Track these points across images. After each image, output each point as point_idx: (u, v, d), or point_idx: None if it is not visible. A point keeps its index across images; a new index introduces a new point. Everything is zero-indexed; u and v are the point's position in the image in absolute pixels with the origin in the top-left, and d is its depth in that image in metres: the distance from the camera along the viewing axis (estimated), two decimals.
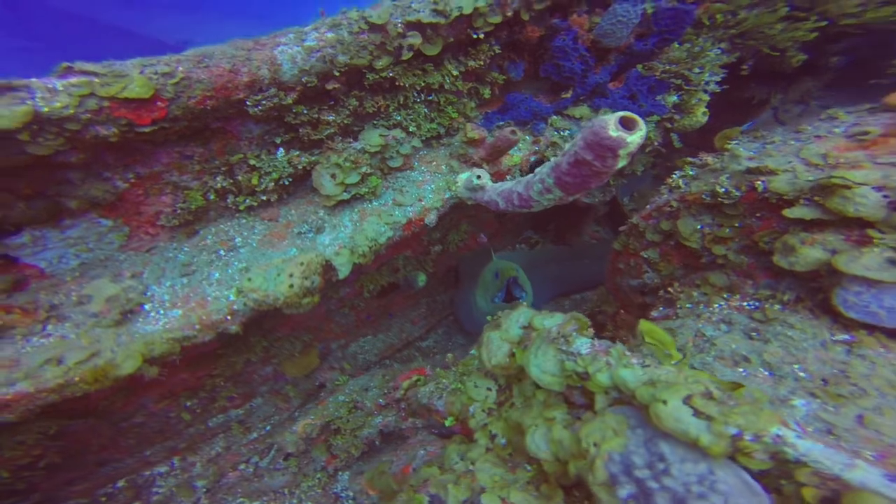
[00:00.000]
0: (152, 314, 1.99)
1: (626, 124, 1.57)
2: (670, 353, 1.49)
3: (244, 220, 2.38)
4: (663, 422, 1.31)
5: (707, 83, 3.52)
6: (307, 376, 3.18)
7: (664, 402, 1.32)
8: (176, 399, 2.56)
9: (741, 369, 1.74)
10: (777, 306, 1.94)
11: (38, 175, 1.83)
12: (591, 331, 1.72)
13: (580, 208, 4.14)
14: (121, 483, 2.63)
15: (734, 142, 2.67)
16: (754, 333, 1.86)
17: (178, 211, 2.19)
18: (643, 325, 1.58)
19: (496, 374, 2.04)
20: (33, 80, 1.61)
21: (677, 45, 3.54)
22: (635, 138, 1.55)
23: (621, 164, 1.66)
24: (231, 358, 2.64)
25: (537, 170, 2.07)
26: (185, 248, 2.22)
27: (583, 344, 1.65)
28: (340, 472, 2.88)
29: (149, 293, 2.03)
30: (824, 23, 3.80)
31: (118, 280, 1.99)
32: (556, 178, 1.90)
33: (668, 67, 3.40)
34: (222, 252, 2.23)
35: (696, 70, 3.47)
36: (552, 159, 1.95)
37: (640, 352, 1.56)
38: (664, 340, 1.55)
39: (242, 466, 2.83)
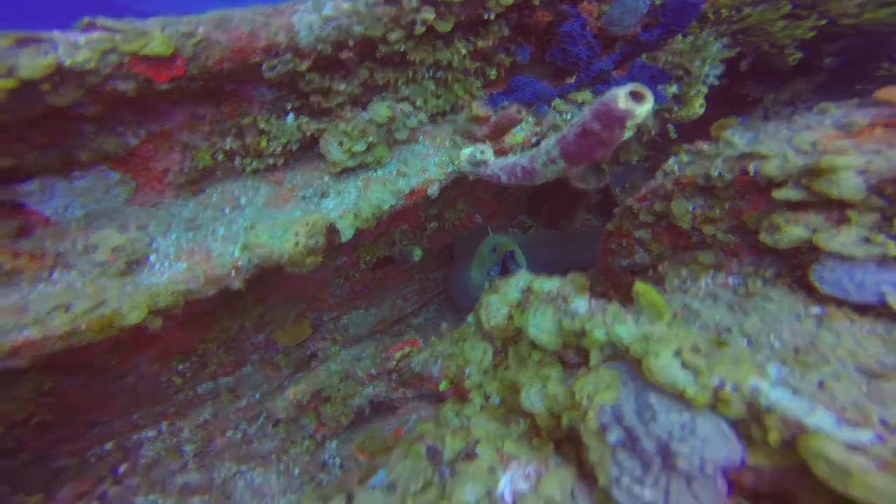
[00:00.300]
0: (157, 266, 2.02)
1: (635, 97, 1.64)
2: (662, 313, 1.58)
3: (249, 182, 2.43)
4: (654, 374, 1.40)
5: (707, 76, 3.61)
6: (299, 346, 3.23)
7: (656, 356, 1.41)
8: (168, 362, 2.60)
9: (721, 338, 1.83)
10: (759, 282, 2.04)
11: (53, 125, 1.85)
12: (588, 293, 1.81)
13: (574, 194, 4.22)
14: (109, 445, 2.66)
15: (729, 131, 2.77)
16: (736, 306, 1.97)
17: (186, 169, 2.23)
18: (638, 286, 1.67)
19: (494, 335, 2.12)
20: (56, 33, 1.64)
21: (681, 38, 3.62)
22: (643, 110, 1.62)
23: (627, 135, 1.73)
24: (225, 322, 2.68)
25: (542, 143, 2.14)
26: (191, 205, 2.26)
27: (580, 304, 1.74)
28: (328, 441, 2.94)
29: (154, 245, 2.07)
30: (823, 21, 3.88)
31: (124, 231, 2.01)
32: (561, 149, 1.97)
33: (670, 59, 3.48)
34: (227, 210, 2.27)
35: (698, 63, 3.56)
36: (558, 133, 2.02)
37: (634, 311, 1.65)
38: (657, 301, 1.64)
39: (230, 433, 2.88)
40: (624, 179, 4.34)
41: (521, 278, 2.10)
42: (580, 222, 4.49)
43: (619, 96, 1.63)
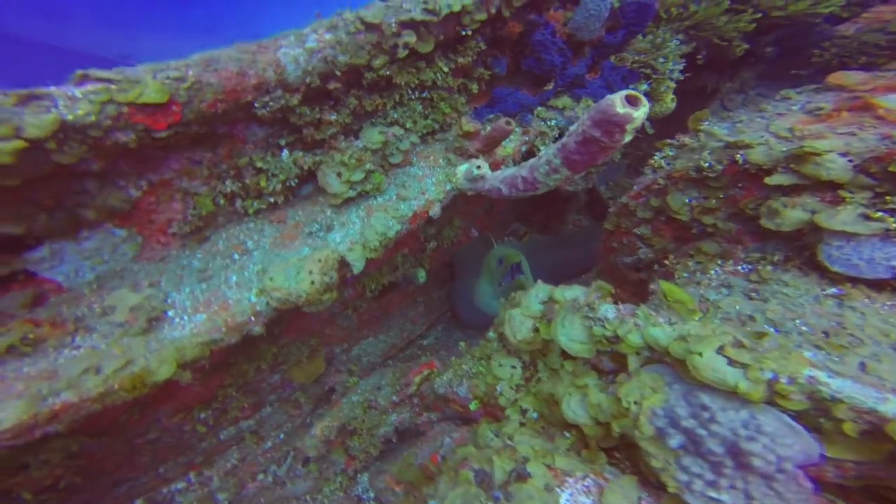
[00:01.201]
0: (177, 320, 1.97)
1: (631, 102, 1.70)
2: (693, 310, 1.63)
3: (252, 224, 2.38)
4: (701, 373, 1.42)
5: (671, 72, 3.77)
6: (316, 381, 3.17)
7: (699, 355, 1.43)
8: (189, 412, 2.52)
9: (748, 328, 1.84)
10: (769, 267, 2.12)
11: (58, 185, 1.79)
12: (611, 298, 1.85)
13: (563, 197, 4.32)
14: (139, 502, 2.57)
15: (706, 122, 2.90)
16: (754, 294, 2.02)
17: (189, 218, 2.17)
18: (663, 285, 1.71)
19: (521, 349, 2.13)
20: (53, 88, 1.58)
21: (641, 38, 3.78)
22: (641, 114, 1.68)
23: (627, 138, 1.79)
24: (242, 366, 2.61)
25: (541, 153, 2.18)
26: (199, 255, 2.20)
27: (608, 310, 1.77)
28: (360, 474, 2.88)
29: (170, 300, 2.01)
30: (759, 14, 4.20)
31: (137, 290, 1.96)
32: (563, 158, 2.01)
33: (636, 58, 3.62)
34: (236, 256, 2.22)
35: (661, 60, 3.72)
36: (558, 142, 2.06)
37: (663, 311, 1.68)
38: (684, 299, 1.68)
39: (261, 476, 2.80)
40: (607, 178, 4.47)
41: (540, 290, 2.12)
42: (571, 223, 4.58)
43: (616, 102, 1.68)
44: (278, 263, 2.13)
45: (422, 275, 3.19)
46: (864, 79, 2.68)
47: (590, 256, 4.15)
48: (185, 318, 1.97)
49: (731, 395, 1.35)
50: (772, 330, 1.76)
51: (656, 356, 1.62)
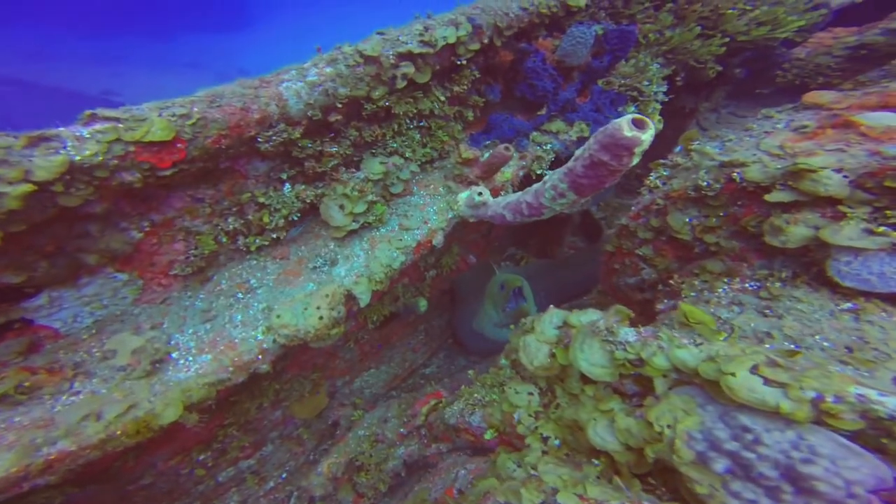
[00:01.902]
0: (181, 362, 1.90)
1: (637, 125, 1.72)
2: (717, 330, 1.62)
3: (255, 262, 2.32)
4: (736, 394, 1.37)
5: (656, 93, 3.90)
6: (318, 416, 3.06)
7: (733, 375, 1.40)
8: (188, 454, 2.40)
9: (768, 345, 1.81)
10: (777, 284, 2.13)
11: (60, 229, 1.74)
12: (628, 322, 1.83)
13: (559, 220, 4.35)
14: None
15: (696, 142, 2.97)
16: (767, 311, 1.99)
17: (191, 258, 2.11)
18: (683, 306, 1.71)
19: (537, 376, 2.08)
20: (62, 129, 1.54)
21: (625, 62, 3.91)
22: (648, 136, 1.69)
23: (635, 161, 1.81)
24: (244, 404, 2.51)
25: (546, 177, 2.19)
26: (202, 296, 2.14)
27: (628, 333, 1.75)
28: None
29: (173, 342, 1.94)
30: (727, 39, 4.44)
31: (139, 332, 1.88)
32: (570, 182, 2.02)
33: (622, 82, 3.73)
34: (240, 295, 2.16)
35: (646, 83, 3.84)
36: (563, 166, 2.08)
37: (686, 333, 1.67)
38: (706, 320, 1.68)
39: None
40: (598, 199, 4.53)
41: (553, 315, 2.10)
42: (567, 246, 4.60)
43: (623, 126, 1.70)
44: (284, 300, 2.07)
45: (423, 304, 3.15)
46: (837, 98, 2.79)
47: (589, 279, 4.17)
48: (190, 359, 1.90)
49: (773, 415, 1.32)
50: (791, 346, 1.74)
51: (684, 378, 1.60)
